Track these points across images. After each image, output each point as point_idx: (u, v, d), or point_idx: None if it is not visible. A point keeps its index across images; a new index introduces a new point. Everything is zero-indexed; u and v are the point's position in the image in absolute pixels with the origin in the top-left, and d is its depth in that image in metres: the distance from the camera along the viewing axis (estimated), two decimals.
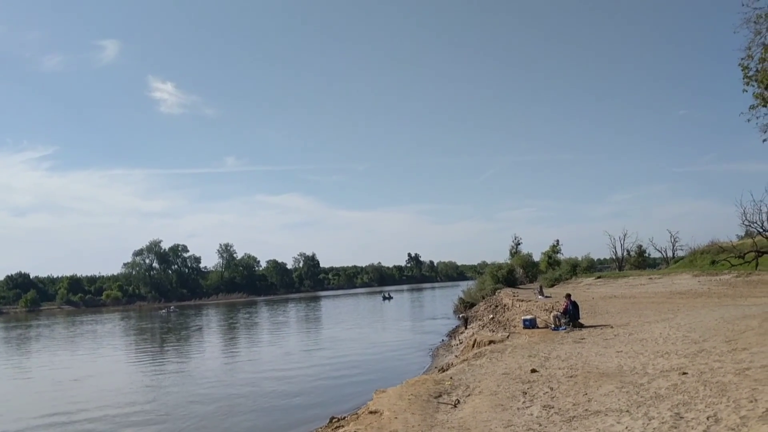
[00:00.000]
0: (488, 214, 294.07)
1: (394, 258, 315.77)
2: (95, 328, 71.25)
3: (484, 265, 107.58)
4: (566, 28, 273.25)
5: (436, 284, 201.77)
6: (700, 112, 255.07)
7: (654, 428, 8.15)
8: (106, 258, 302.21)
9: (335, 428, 13.12)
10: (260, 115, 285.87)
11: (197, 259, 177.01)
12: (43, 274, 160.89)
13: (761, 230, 53.40)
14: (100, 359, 38.84)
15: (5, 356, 44.23)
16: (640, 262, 78.14)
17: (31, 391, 27.30)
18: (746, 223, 54.50)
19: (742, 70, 16.85)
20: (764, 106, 16.95)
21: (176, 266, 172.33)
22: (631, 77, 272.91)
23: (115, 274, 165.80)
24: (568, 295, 23.57)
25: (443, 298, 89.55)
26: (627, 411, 9.24)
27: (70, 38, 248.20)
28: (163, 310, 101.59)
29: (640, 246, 79.83)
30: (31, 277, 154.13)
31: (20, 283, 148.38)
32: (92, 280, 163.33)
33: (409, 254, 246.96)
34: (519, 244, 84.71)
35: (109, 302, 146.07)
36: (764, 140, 17.34)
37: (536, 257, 79.81)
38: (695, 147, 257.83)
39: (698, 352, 13.37)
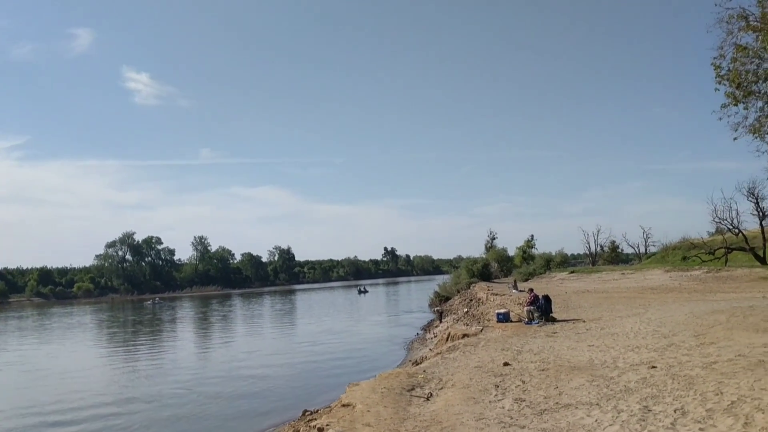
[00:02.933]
0: (464, 209, 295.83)
1: (370, 252, 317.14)
2: (80, 320, 70.18)
3: (459, 259, 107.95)
4: (543, 28, 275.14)
5: (412, 278, 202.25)
6: (673, 111, 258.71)
7: (623, 421, 8.25)
8: (78, 250, 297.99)
9: (308, 421, 13.09)
10: (236, 107, 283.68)
11: (171, 252, 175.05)
12: (12, 266, 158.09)
13: (731, 227, 54.50)
14: (88, 350, 38.33)
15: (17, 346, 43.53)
16: (613, 257, 79.27)
17: (8, 386, 26.88)
18: (717, 220, 55.68)
19: (715, 70, 17.09)
20: (735, 105, 17.20)
21: (150, 258, 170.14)
22: (606, 76, 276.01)
23: (87, 266, 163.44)
24: (531, 290, 24.04)
25: (419, 292, 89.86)
26: (597, 404, 9.34)
27: (42, 26, 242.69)
28: (149, 302, 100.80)
29: (614, 242, 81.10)
30: None
31: None
32: (63, 272, 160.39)
33: (385, 248, 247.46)
34: (494, 238, 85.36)
35: (80, 294, 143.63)
36: (735, 138, 17.62)
37: (511, 252, 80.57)
38: (668, 145, 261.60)
39: (668, 346, 13.57)
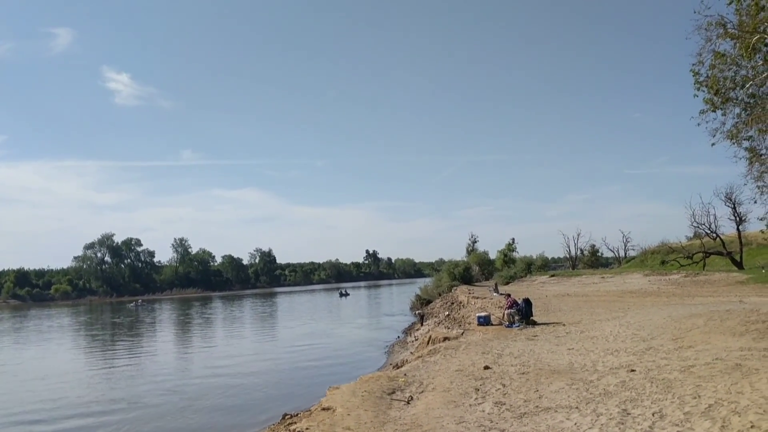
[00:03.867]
0: (446, 212, 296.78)
1: (351, 255, 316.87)
2: (62, 323, 69.22)
3: (441, 262, 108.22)
4: (523, 33, 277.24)
5: (393, 281, 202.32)
6: (653, 116, 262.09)
7: (602, 424, 8.29)
8: (56, 251, 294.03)
9: (288, 425, 13.00)
10: (218, 109, 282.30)
11: (151, 254, 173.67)
12: None
13: (709, 232, 55.21)
14: (70, 353, 37.79)
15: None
16: (593, 261, 79.97)
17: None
18: (695, 224, 56.44)
19: (693, 76, 17.25)
20: (713, 111, 17.37)
21: (129, 260, 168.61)
22: (586, 81, 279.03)
23: (65, 267, 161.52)
24: (509, 295, 24.25)
25: (400, 295, 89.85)
26: (576, 407, 9.38)
27: (21, 25, 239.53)
28: (132, 304, 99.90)
29: (593, 245, 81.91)
30: None
31: None
32: (40, 273, 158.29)
33: (367, 251, 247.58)
34: (476, 242, 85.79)
35: (58, 297, 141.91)
36: (713, 144, 17.80)
37: (492, 255, 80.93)
38: (648, 150, 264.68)
39: (646, 349, 13.68)
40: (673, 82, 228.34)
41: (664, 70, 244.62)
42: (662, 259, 60.92)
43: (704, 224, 55.09)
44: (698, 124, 17.85)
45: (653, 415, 8.34)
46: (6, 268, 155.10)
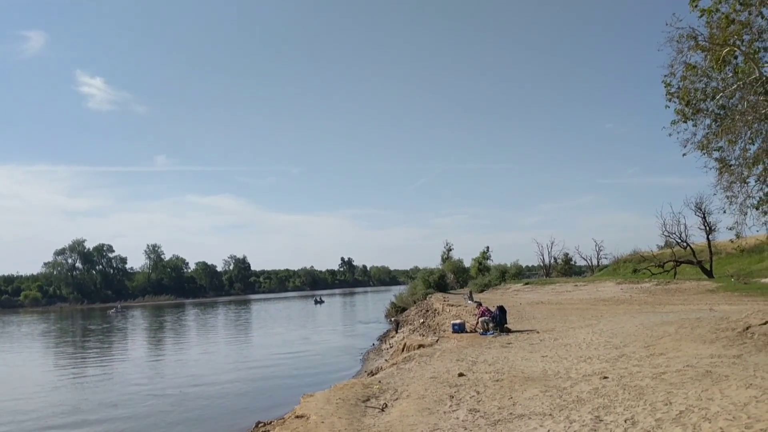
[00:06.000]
0: (421, 221, 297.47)
1: (327, 262, 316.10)
2: (39, 329, 67.81)
3: (416, 270, 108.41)
4: (498, 44, 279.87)
5: (368, 289, 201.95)
6: (624, 127, 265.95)
7: (575, 431, 8.33)
8: (26, 257, 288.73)
9: None
10: (193, 114, 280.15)
11: (123, 260, 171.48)
12: None
13: (679, 241, 56.07)
14: (44, 361, 37.02)
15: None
16: (566, 269, 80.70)
17: None
18: (666, 233, 57.29)
19: (665, 87, 17.54)
20: (685, 122, 17.67)
21: (101, 267, 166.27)
22: (559, 90, 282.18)
23: (35, 274, 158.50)
24: (480, 303, 24.42)
25: (375, 303, 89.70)
26: (550, 414, 9.42)
27: None
28: (112, 311, 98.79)
29: (567, 254, 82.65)
30: None
31: None
32: (9, 279, 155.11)
33: (342, 258, 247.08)
34: (450, 250, 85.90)
35: (27, 303, 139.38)
36: (684, 154, 18.09)
37: (467, 263, 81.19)
38: (619, 160, 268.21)
39: (619, 357, 13.80)
40: (644, 94, 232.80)
41: (636, 81, 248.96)
42: (634, 267, 61.64)
43: (675, 233, 55.97)
44: (670, 135, 18.17)
45: (625, 421, 8.41)
46: None
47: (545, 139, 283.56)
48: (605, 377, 11.54)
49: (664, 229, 56.66)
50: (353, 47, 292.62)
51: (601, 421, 8.64)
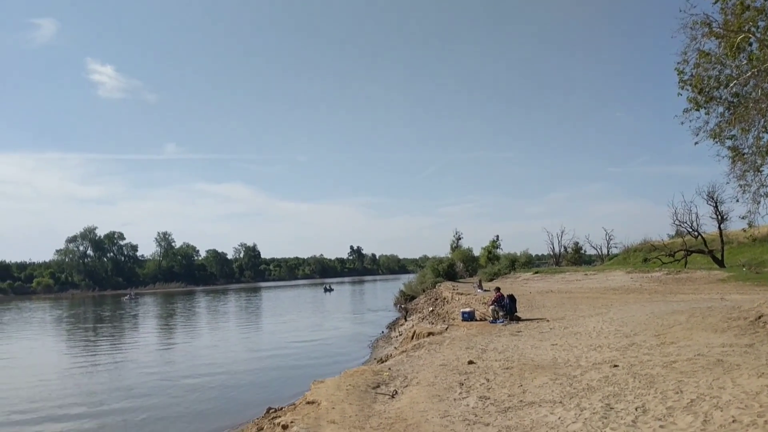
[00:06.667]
0: (430, 209, 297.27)
1: (336, 250, 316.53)
2: (55, 315, 68.40)
3: (425, 258, 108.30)
4: (507, 32, 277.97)
5: (377, 277, 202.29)
6: (635, 115, 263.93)
7: (585, 419, 8.34)
8: (38, 244, 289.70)
9: (272, 419, 12.94)
10: (202, 103, 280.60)
11: (134, 247, 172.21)
12: None
13: (691, 230, 55.74)
14: (64, 347, 37.40)
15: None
16: (576, 258, 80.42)
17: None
18: (677, 223, 56.95)
19: (678, 75, 17.35)
20: (697, 110, 17.49)
21: (112, 254, 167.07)
22: (570, 79, 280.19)
23: (47, 261, 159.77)
24: (498, 288, 24.26)
25: (384, 291, 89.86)
26: (560, 402, 9.43)
27: (3, 16, 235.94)
28: (126, 297, 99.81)
29: (577, 243, 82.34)
30: None
31: None
32: (22, 266, 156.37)
33: (351, 247, 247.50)
34: (460, 238, 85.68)
35: (39, 290, 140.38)
36: (696, 143, 17.91)
37: (476, 252, 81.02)
38: (630, 148, 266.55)
39: (629, 345, 13.78)
40: (656, 82, 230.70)
41: (648, 69, 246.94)
42: (644, 256, 61.35)
43: (686, 222, 55.64)
44: (682, 123, 17.99)
45: (636, 409, 8.41)
46: None
47: (554, 128, 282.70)
48: (615, 366, 11.53)
49: (675, 218, 56.37)
50: (359, 34, 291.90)
51: (611, 408, 8.64)
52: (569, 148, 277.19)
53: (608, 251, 79.81)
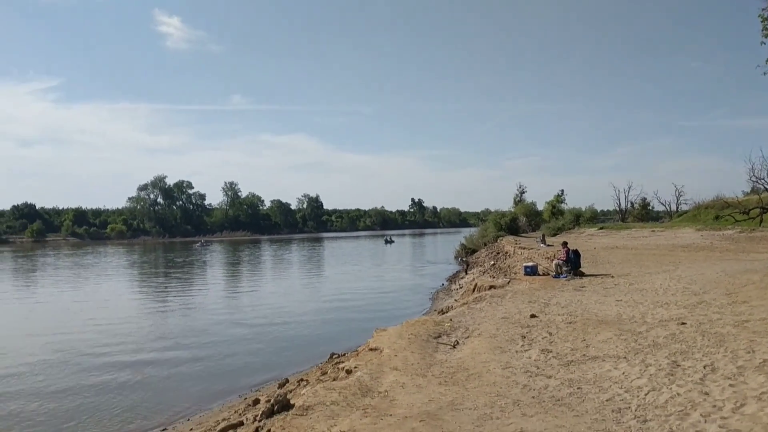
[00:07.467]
0: (493, 162, 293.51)
1: (396, 203, 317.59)
2: (133, 260, 71.77)
3: (487, 212, 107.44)
4: None
5: (438, 230, 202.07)
6: (712, 66, 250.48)
7: (650, 374, 8.24)
8: (111, 191, 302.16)
9: (335, 363, 13.33)
10: (267, 54, 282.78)
11: (202, 196, 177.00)
12: (48, 206, 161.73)
13: None
14: (142, 290, 39.38)
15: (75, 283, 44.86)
16: (643, 214, 78.02)
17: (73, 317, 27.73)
18: (753, 179, 54.32)
19: (762, 22, 16.41)
20: None
21: (181, 202, 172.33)
22: (643, 26, 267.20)
23: (120, 207, 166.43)
24: (565, 243, 23.77)
25: (445, 244, 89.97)
26: (624, 357, 9.34)
27: None
28: (197, 244, 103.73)
29: (644, 199, 79.73)
30: (36, 208, 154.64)
31: (26, 213, 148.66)
32: (97, 213, 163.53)
33: (413, 199, 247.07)
34: (523, 192, 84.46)
35: (113, 236, 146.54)
36: None
37: (540, 206, 79.80)
38: (705, 101, 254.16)
39: (698, 303, 13.45)
40: (736, 30, 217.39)
41: (727, 15, 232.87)
42: (716, 214, 58.98)
43: (763, 179, 53.03)
44: (765, 73, 17.09)
45: (704, 367, 8.24)
46: (65, 207, 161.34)
47: (623, 79, 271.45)
48: (683, 323, 11.30)
49: (751, 174, 53.66)
50: None
51: (678, 366, 8.50)
52: (638, 100, 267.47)
53: (677, 208, 77.10)
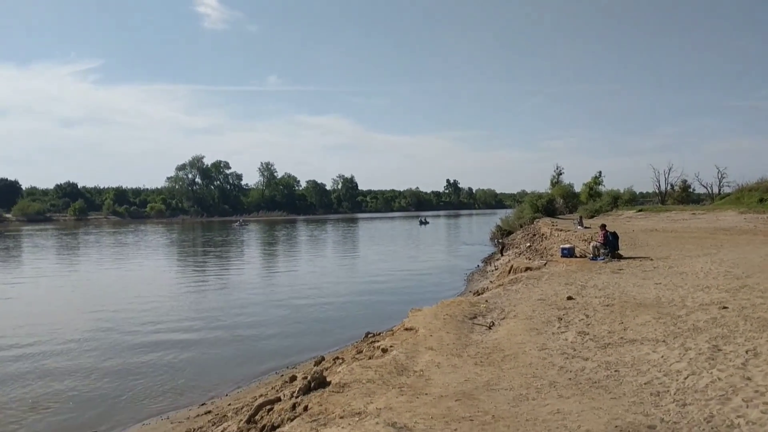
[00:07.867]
0: (530, 143, 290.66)
1: (432, 183, 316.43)
2: (180, 238, 73.31)
3: (523, 194, 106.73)
4: None
5: (473, 211, 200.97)
6: (759, 44, 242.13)
7: (690, 358, 8.13)
8: (150, 171, 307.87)
9: (371, 342, 13.45)
10: (303, 35, 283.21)
11: (239, 176, 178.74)
12: (90, 185, 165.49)
13: None
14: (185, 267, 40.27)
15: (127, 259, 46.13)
16: (683, 197, 76.38)
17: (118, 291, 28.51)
18: None
19: None
20: None
21: (218, 182, 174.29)
22: (687, 3, 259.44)
23: (159, 187, 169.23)
24: (603, 226, 23.36)
25: (480, 225, 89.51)
26: (663, 341, 9.22)
27: None
28: (236, 224, 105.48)
29: (685, 181, 77.99)
30: (78, 187, 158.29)
31: (69, 192, 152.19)
32: (137, 192, 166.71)
33: (448, 180, 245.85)
34: (560, 174, 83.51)
35: (153, 215, 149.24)
36: None
37: (577, 188, 78.79)
38: (751, 80, 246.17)
39: (740, 287, 13.19)
40: None
41: None
42: (761, 196, 57.51)
43: None
44: None
45: (747, 352, 8.10)
46: (106, 186, 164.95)
47: (665, 57, 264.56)
48: (725, 307, 11.10)
49: None
50: None
51: (719, 350, 8.37)
52: (681, 80, 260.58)
53: (720, 190, 75.29)
